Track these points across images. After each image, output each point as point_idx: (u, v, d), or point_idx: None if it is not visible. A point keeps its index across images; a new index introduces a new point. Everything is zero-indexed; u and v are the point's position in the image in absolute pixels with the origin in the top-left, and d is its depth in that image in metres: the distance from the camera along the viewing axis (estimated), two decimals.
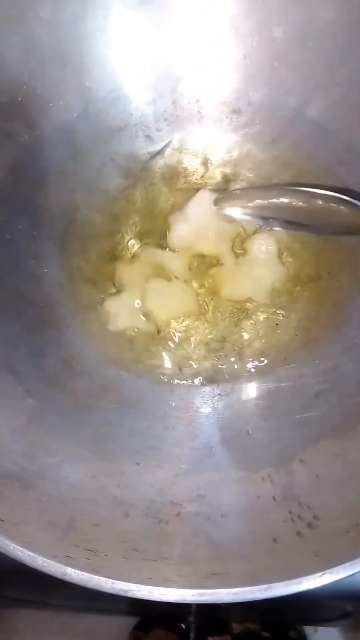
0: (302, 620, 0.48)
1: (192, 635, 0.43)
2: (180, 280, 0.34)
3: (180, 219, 0.34)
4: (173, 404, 0.32)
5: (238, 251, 0.35)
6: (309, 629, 0.47)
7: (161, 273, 0.35)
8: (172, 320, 0.34)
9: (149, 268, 0.35)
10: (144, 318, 0.34)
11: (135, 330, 0.34)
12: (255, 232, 0.35)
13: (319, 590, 0.33)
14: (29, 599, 0.46)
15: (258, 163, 0.35)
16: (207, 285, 0.35)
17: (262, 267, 0.35)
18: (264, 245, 0.35)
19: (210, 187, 0.35)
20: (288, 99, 0.34)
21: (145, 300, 0.34)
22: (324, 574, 0.20)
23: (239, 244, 0.35)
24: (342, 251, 0.35)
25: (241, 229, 0.35)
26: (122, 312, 0.33)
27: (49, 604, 0.46)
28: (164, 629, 0.45)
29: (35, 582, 0.36)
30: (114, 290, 0.34)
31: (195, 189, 0.35)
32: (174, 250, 0.35)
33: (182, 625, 0.45)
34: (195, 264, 0.35)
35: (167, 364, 0.34)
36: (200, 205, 0.34)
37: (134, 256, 0.35)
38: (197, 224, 0.34)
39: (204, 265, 0.35)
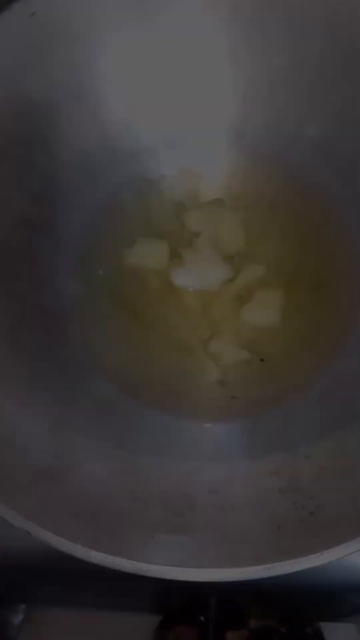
0: (318, 616, 0.49)
1: (210, 627, 0.45)
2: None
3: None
4: (187, 405, 0.34)
5: None
6: (325, 626, 0.48)
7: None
8: None
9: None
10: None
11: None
12: None
13: (335, 584, 0.35)
14: (58, 599, 0.48)
15: (262, 180, 0.38)
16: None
17: None
18: None
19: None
20: (287, 121, 0.36)
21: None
22: (321, 553, 0.22)
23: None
24: (344, 258, 0.37)
25: None
26: (226, 352, 0.36)
27: (77, 602, 0.48)
28: (185, 624, 0.47)
29: (64, 581, 0.38)
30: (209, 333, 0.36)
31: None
32: None
33: (202, 618, 0.46)
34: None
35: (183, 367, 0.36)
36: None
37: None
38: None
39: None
